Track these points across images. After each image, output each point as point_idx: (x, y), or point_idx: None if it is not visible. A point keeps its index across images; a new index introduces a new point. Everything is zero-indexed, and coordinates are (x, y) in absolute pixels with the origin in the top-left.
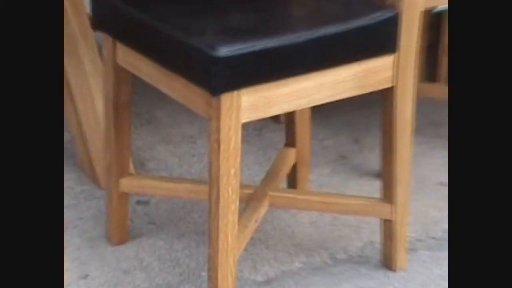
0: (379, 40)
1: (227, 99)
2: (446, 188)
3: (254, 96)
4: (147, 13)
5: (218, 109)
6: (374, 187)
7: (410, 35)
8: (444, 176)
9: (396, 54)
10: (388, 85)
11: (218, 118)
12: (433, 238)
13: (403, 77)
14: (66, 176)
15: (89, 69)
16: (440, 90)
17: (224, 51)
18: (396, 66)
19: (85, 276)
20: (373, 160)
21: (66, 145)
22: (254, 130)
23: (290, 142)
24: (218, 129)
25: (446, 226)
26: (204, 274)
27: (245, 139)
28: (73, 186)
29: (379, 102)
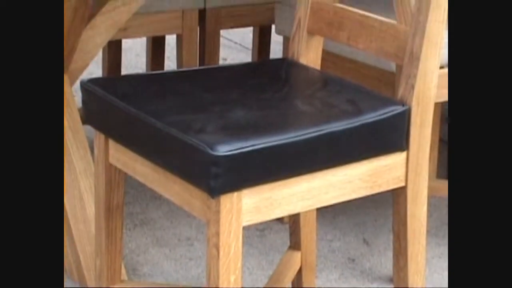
0: (389, 136)
1: (227, 201)
2: None
3: (256, 198)
4: (142, 109)
5: (217, 212)
6: None
7: (423, 130)
8: None
9: (408, 151)
10: (400, 184)
11: (217, 222)
12: None
13: (415, 176)
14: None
15: (79, 167)
16: None
17: (224, 150)
18: (408, 164)
19: None
20: (385, 263)
21: None
22: (256, 231)
23: (295, 244)
24: (217, 234)
25: None
26: None
27: (246, 241)
28: None
29: (391, 200)
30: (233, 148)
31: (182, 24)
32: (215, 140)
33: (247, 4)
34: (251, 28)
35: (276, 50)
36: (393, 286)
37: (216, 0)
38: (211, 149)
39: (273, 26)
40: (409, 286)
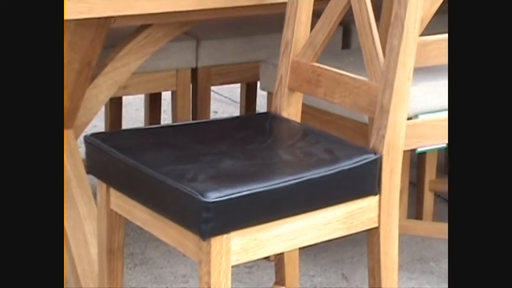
0: (363, 182)
1: (217, 243)
2: None
3: (244, 239)
4: (139, 160)
5: (208, 253)
6: None
7: (393, 176)
8: None
9: (380, 195)
10: (373, 225)
11: (208, 262)
12: None
13: (387, 217)
14: None
15: (83, 212)
16: (425, 227)
17: (214, 196)
18: (380, 207)
19: None
20: None
21: None
22: (245, 268)
23: (280, 280)
24: (208, 273)
25: None
26: None
27: (235, 278)
28: None
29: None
30: (222, 195)
31: (176, 81)
32: (206, 188)
33: (235, 63)
34: (239, 84)
35: (262, 103)
36: None
37: (207, 59)
38: (202, 196)
39: (258, 82)
40: None
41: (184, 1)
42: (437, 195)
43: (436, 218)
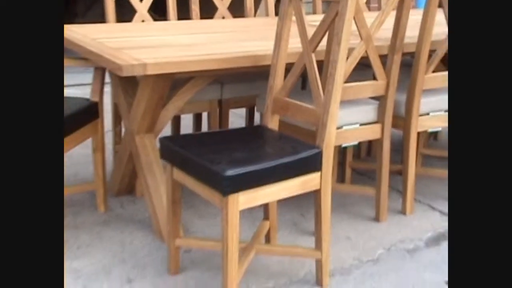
0: (312, 164)
1: (231, 198)
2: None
3: (246, 196)
4: (189, 152)
5: (226, 203)
6: (311, 242)
7: (328, 160)
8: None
9: (321, 171)
10: (317, 187)
11: (226, 208)
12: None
13: (324, 183)
14: (149, 237)
15: (159, 179)
16: (346, 187)
17: (229, 173)
18: (321, 177)
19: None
20: (312, 226)
21: (148, 220)
22: (247, 210)
23: (266, 217)
24: (226, 214)
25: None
26: None
27: (242, 215)
28: (149, 243)
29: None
30: (234, 172)
31: (210, 106)
32: (225, 168)
33: (243, 96)
34: (244, 108)
35: (257, 120)
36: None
37: (227, 94)
38: (224, 172)
39: (255, 107)
40: (322, 237)
41: (213, 64)
42: (353, 170)
43: (352, 183)
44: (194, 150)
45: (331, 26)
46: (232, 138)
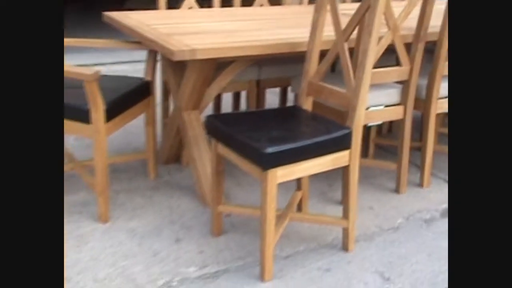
0: (343, 143)
1: (270, 173)
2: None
3: (283, 171)
4: (231, 129)
5: (266, 177)
6: (338, 210)
7: (357, 140)
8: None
9: (350, 149)
10: (347, 163)
11: (266, 182)
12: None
13: (353, 160)
14: (193, 202)
15: (204, 151)
16: (369, 162)
17: (269, 150)
18: (351, 154)
19: (197, 247)
20: (339, 195)
21: (193, 186)
22: (283, 184)
23: (299, 188)
24: (266, 187)
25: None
26: (257, 253)
27: (280, 186)
28: (194, 208)
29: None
30: (273, 150)
31: (249, 86)
32: (265, 145)
33: (278, 77)
34: (279, 88)
35: (291, 99)
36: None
37: (264, 75)
38: (263, 149)
39: (289, 88)
40: (349, 208)
41: (254, 50)
42: (375, 145)
43: (375, 157)
44: (237, 128)
45: (362, 18)
46: (270, 117)
